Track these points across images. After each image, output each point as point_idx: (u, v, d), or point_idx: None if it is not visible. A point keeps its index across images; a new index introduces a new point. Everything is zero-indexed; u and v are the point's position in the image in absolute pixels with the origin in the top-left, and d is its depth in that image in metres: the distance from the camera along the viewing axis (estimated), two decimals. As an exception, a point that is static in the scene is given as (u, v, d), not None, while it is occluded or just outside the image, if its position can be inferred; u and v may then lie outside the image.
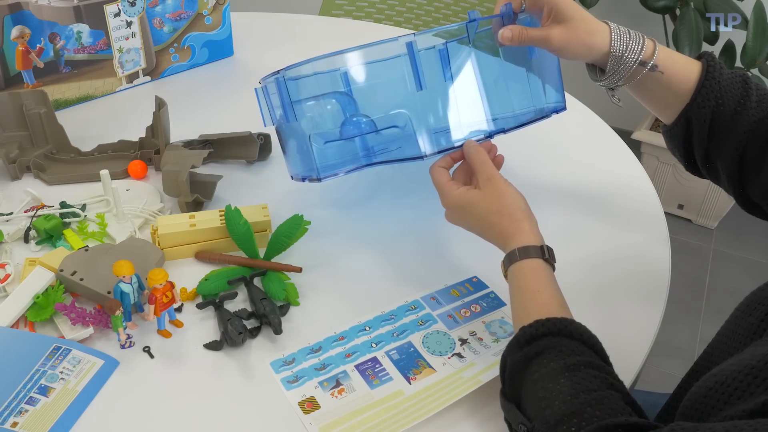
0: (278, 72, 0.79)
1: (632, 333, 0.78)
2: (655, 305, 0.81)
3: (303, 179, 0.84)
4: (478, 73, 0.83)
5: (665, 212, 0.90)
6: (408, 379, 0.71)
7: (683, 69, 0.76)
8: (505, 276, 0.72)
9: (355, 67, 0.80)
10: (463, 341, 0.75)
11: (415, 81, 0.79)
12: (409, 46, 0.77)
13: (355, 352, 0.74)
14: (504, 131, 0.84)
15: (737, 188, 0.77)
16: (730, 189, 0.78)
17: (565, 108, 0.88)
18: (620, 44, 0.75)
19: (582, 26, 0.76)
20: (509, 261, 0.70)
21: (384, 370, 0.72)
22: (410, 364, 0.73)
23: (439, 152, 0.81)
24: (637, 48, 0.75)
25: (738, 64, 1.96)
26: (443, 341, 0.76)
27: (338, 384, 0.71)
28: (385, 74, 0.81)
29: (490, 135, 0.83)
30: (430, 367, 0.72)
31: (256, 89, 0.84)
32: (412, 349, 0.75)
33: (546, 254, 0.70)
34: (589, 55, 0.77)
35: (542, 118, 0.87)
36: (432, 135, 0.82)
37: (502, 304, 0.80)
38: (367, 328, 0.77)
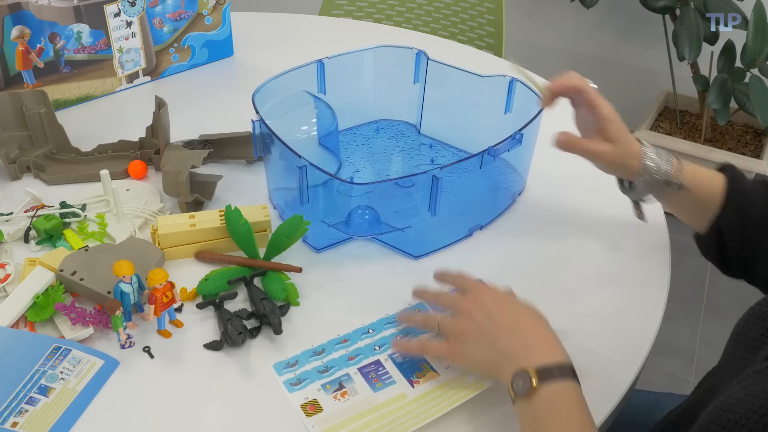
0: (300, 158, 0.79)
1: (632, 333, 0.78)
2: (655, 305, 0.81)
3: None
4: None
5: (665, 212, 0.90)
6: (411, 383, 0.71)
7: (709, 184, 0.78)
8: (520, 394, 0.61)
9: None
10: None
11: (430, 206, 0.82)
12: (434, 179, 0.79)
13: (358, 354, 0.74)
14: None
15: None
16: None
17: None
18: (652, 165, 0.78)
19: (627, 149, 0.79)
20: (537, 378, 0.60)
21: (387, 373, 0.72)
22: (414, 367, 0.73)
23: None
24: (667, 169, 0.78)
25: (738, 64, 1.96)
26: None
27: (341, 387, 0.71)
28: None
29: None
30: (434, 370, 0.72)
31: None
32: None
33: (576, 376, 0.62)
34: (627, 175, 0.81)
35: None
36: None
37: None
38: (371, 331, 0.77)
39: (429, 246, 0.87)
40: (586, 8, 2.00)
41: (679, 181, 0.78)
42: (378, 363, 0.73)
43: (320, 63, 0.99)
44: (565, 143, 0.80)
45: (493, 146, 0.81)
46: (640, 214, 0.87)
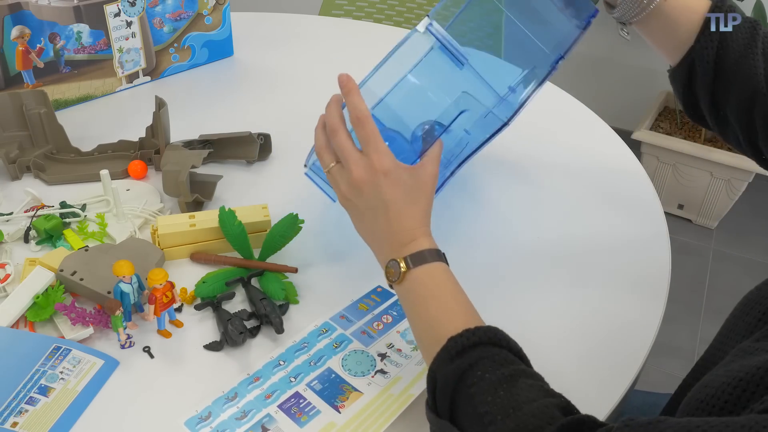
0: None
1: (632, 333, 0.78)
2: (655, 305, 0.81)
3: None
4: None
5: (665, 212, 0.90)
6: (336, 408, 0.67)
7: (691, 4, 0.73)
8: (393, 282, 0.67)
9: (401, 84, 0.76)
10: (383, 356, 0.73)
11: (453, 61, 0.75)
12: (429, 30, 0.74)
13: (274, 391, 0.69)
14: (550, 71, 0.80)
15: (749, 141, 0.74)
16: (743, 142, 0.75)
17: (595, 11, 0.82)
18: None
19: None
20: (406, 264, 0.66)
21: (309, 404, 0.68)
22: (335, 391, 0.69)
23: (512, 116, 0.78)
24: None
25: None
26: (363, 360, 0.73)
27: (264, 430, 0.66)
28: (425, 74, 0.76)
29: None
30: (356, 390, 0.69)
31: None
32: (333, 375, 0.71)
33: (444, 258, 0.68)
34: None
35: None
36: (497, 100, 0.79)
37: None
38: (282, 362, 0.72)
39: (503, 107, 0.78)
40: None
41: None
42: (297, 395, 0.69)
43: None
44: None
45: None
46: (625, 34, 0.82)
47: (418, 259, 0.66)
